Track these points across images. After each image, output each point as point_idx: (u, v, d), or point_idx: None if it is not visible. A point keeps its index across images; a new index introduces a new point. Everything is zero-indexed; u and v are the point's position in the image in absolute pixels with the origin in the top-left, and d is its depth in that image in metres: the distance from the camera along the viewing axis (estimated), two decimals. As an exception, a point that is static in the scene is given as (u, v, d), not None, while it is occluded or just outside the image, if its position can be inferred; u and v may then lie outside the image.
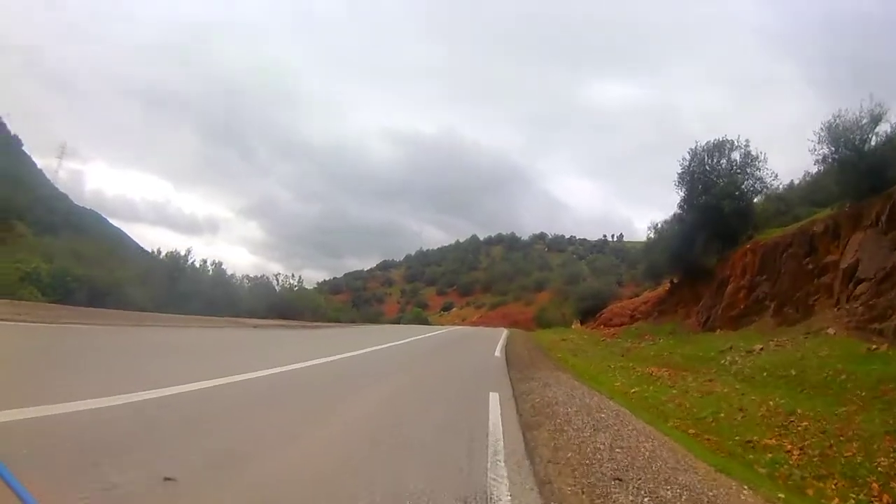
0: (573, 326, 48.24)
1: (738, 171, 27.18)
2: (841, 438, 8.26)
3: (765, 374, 13.09)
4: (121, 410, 5.07)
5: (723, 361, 15.58)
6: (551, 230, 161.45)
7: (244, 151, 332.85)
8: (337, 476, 4.22)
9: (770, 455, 7.99)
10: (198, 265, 30.85)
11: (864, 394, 10.02)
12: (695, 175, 28.27)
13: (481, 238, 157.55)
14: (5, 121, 50.03)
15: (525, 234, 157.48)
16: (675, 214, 31.68)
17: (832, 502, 6.52)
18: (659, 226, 36.15)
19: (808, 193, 29.22)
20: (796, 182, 32.88)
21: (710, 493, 5.13)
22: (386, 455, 4.96)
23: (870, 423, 8.64)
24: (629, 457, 5.98)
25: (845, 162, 18.44)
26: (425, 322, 68.18)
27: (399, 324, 57.42)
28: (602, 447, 6.28)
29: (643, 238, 47.64)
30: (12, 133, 51.12)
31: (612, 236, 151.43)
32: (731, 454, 8.10)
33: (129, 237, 49.99)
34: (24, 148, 53.20)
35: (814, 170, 27.68)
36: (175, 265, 28.52)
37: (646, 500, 4.65)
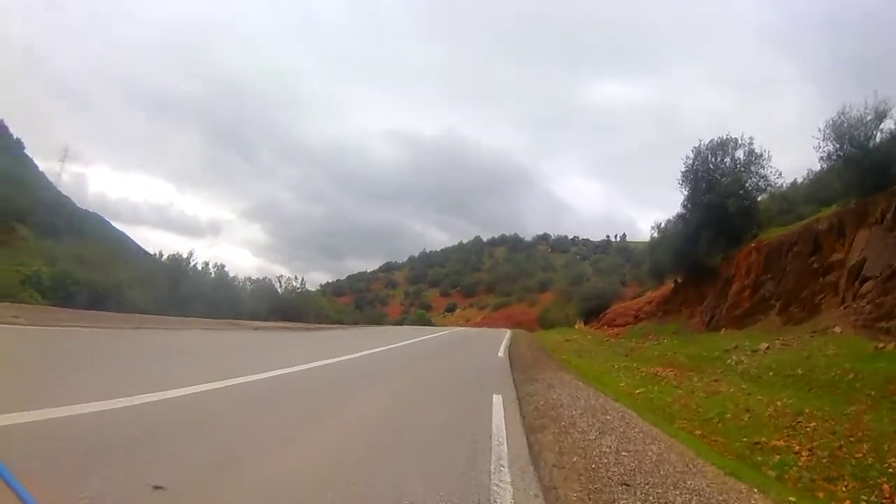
0: (577, 327, 48.03)
1: (742, 169, 26.91)
2: (850, 439, 8.08)
3: (771, 373, 12.91)
4: (113, 415, 4.99)
5: (728, 361, 15.40)
6: (554, 231, 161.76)
7: (247, 153, 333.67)
8: (335, 480, 4.12)
9: (778, 456, 7.82)
10: (200, 267, 30.72)
11: (872, 393, 9.84)
12: (698, 173, 28.00)
13: (484, 239, 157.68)
14: (7, 124, 50.13)
15: (528, 234, 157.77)
16: (678, 213, 31.39)
17: (843, 505, 6.37)
18: (662, 225, 36.02)
19: (812, 192, 28.99)
20: (799, 181, 32.66)
21: (720, 498, 5.01)
22: (385, 461, 4.86)
23: (879, 423, 8.47)
24: (636, 460, 5.86)
25: (850, 159, 18.26)
26: (429, 323, 68.25)
27: (402, 325, 57.23)
28: (608, 451, 6.16)
29: (646, 238, 47.46)
30: (14, 136, 51.24)
31: (616, 236, 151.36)
32: (738, 456, 7.95)
33: (131, 240, 50.20)
34: (26, 151, 53.41)
35: (817, 168, 27.65)
36: (177, 268, 28.37)
37: (654, 506, 4.53)
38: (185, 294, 25.58)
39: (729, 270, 24.99)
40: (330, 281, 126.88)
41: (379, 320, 62.46)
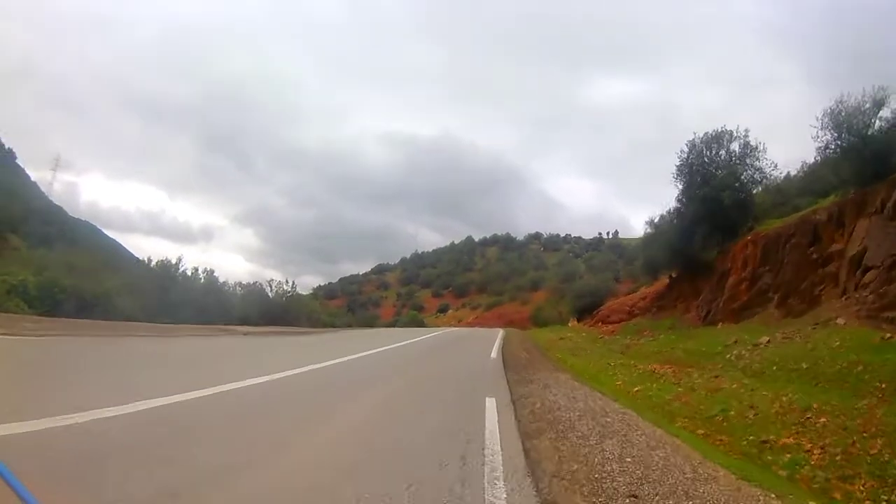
0: (570, 324, 47.78)
1: (738, 161, 26.69)
2: (864, 435, 7.72)
3: (774, 367, 12.59)
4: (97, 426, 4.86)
5: (728, 356, 15.11)
6: (546, 230, 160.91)
7: (239, 158, 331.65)
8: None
9: (788, 455, 7.44)
10: (189, 273, 30.53)
11: (883, 385, 9.51)
12: (693, 167, 27.79)
13: (476, 239, 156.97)
14: (-1, 134, 49.82)
15: (520, 234, 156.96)
16: (673, 208, 31.18)
17: (863, 506, 5.98)
18: (656, 220, 35.69)
19: (806, 184, 28.92)
20: (793, 174, 32.48)
21: (737, 507, 4.59)
22: (371, 475, 4.47)
23: (893, 417, 8.12)
24: (642, 467, 5.42)
25: (849, 149, 18.09)
26: (421, 324, 67.96)
27: (395, 327, 57.00)
28: (611, 457, 5.72)
29: (639, 235, 47.37)
30: (6, 146, 50.95)
31: (608, 233, 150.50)
32: (746, 456, 7.57)
33: (124, 248, 49.81)
34: (17, 161, 53.07)
35: (811, 160, 27.57)
36: (166, 274, 28.17)
37: (667, 520, 4.11)
38: (174, 300, 25.24)
39: (725, 264, 24.75)
40: (322, 284, 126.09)
41: (371, 322, 62.50)
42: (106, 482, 3.53)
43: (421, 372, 13.04)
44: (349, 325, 45.76)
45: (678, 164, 28.66)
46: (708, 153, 27.54)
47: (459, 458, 5.09)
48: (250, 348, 16.46)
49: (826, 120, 18.71)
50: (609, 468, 5.30)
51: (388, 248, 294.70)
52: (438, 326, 63.34)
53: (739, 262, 23.29)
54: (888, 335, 12.02)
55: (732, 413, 9.66)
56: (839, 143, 18.58)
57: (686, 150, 28.27)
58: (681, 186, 28.97)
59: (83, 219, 53.64)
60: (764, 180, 27.05)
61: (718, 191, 25.22)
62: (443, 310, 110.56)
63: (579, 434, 6.70)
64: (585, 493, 4.51)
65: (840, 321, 14.52)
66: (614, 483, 4.84)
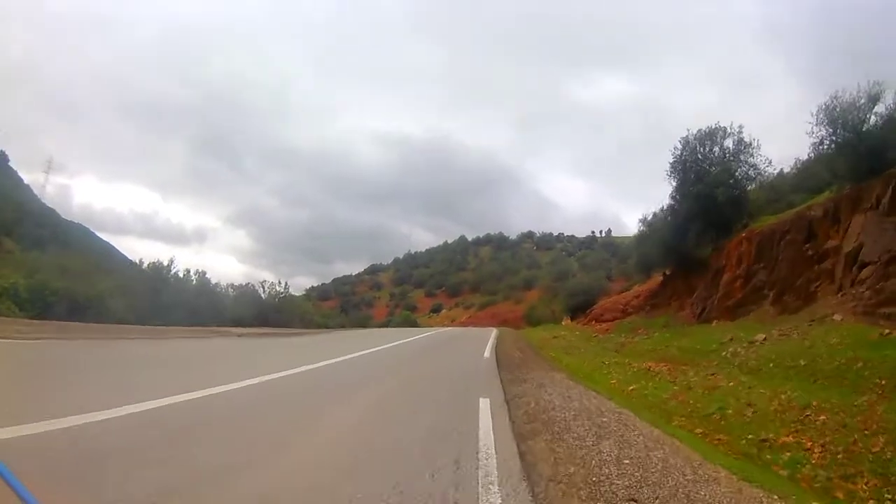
0: (563, 323, 47.73)
1: (732, 158, 26.65)
2: (865, 432, 7.54)
3: (771, 365, 12.44)
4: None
5: (724, 353, 14.96)
6: (540, 228, 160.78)
7: (231, 159, 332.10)
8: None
9: (788, 454, 7.25)
10: (181, 275, 30.24)
11: (883, 382, 9.35)
12: (687, 164, 27.73)
13: (469, 239, 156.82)
14: (-8, 137, 49.77)
15: (513, 233, 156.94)
16: (667, 205, 31.10)
17: (867, 505, 5.83)
18: (649, 218, 35.74)
19: (799, 181, 28.95)
20: (786, 171, 32.50)
21: (740, 510, 4.42)
22: (358, 482, 4.27)
23: (894, 414, 7.96)
24: (640, 469, 5.25)
25: (844, 144, 18.05)
26: (414, 324, 67.91)
27: (388, 327, 56.79)
28: (608, 458, 5.54)
29: (632, 233, 47.28)
30: (-1, 149, 50.81)
31: (601, 232, 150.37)
32: (745, 455, 7.38)
33: (117, 250, 49.60)
34: (10, 164, 52.86)
35: (805, 157, 27.59)
36: (158, 276, 27.95)
37: (670, 525, 3.94)
38: (166, 302, 25.07)
39: (719, 261, 24.66)
40: (315, 285, 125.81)
41: (364, 323, 62.24)
42: (97, 484, 3.56)
43: (414, 372, 12.84)
44: (342, 326, 45.58)
45: (672, 160, 28.66)
46: (702, 150, 27.49)
47: (453, 462, 4.93)
48: (241, 350, 16.29)
49: (821, 115, 18.66)
50: (607, 471, 5.13)
51: (381, 248, 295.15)
52: (432, 326, 63.21)
53: (734, 259, 23.21)
54: (886, 331, 11.91)
55: (730, 411, 9.48)
56: (834, 138, 18.54)
57: (680, 146, 28.26)
58: (675, 183, 28.95)
59: (76, 221, 53.54)
60: (758, 177, 27.04)
61: (712, 187, 25.15)
62: (436, 310, 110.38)
63: (575, 435, 6.53)
64: (583, 498, 4.34)
65: (837, 317, 14.42)
66: (612, 486, 4.66)
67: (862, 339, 12.10)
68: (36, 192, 54.43)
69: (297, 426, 6.06)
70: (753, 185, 27.40)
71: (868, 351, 11.04)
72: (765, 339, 15.01)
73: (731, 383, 11.56)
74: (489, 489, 4.26)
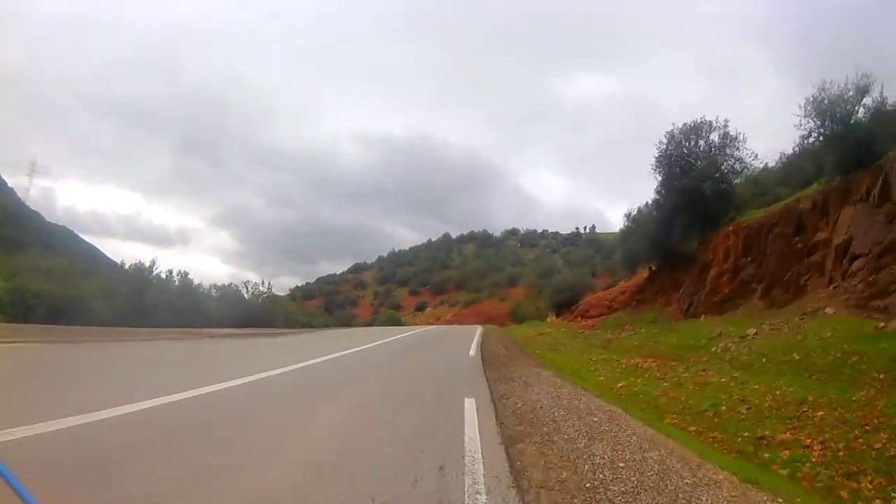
0: (549, 320, 47.56)
1: (717, 152, 26.39)
2: (866, 428, 7.26)
3: (764, 360, 12.19)
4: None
5: (714, 349, 14.73)
6: (523, 225, 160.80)
7: (214, 160, 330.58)
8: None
9: (787, 452, 6.99)
10: (164, 276, 29.88)
11: (881, 376, 9.08)
12: (672, 158, 27.47)
13: (453, 236, 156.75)
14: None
15: (497, 230, 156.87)
16: (652, 200, 30.89)
17: (874, 504, 5.56)
18: (632, 214, 35.74)
19: (785, 175, 28.90)
20: (770, 165, 32.50)
21: (746, 516, 4.11)
22: (334, 493, 3.95)
23: (895, 409, 7.67)
24: (637, 473, 4.93)
25: (832, 136, 17.94)
26: (399, 323, 67.77)
27: (373, 326, 56.49)
28: (602, 462, 5.21)
29: (616, 229, 47.18)
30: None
31: (585, 228, 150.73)
32: (741, 453, 7.12)
33: (102, 253, 49.08)
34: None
35: (790, 152, 27.47)
36: (140, 277, 27.63)
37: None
38: (149, 304, 24.91)
39: (706, 255, 24.49)
40: (300, 285, 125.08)
41: (349, 322, 62.20)
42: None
43: (397, 372, 12.46)
44: (326, 326, 45.37)
45: (657, 155, 28.36)
46: (687, 144, 27.23)
47: (437, 469, 4.59)
48: (211, 353, 15.79)
49: (809, 108, 18.50)
50: (601, 475, 4.80)
51: (364, 247, 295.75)
52: (416, 325, 62.93)
53: (721, 253, 23.03)
54: (881, 324, 11.71)
55: (724, 408, 9.24)
56: (822, 130, 18.41)
57: (665, 141, 27.97)
58: (660, 178, 28.67)
59: (60, 224, 52.93)
60: (744, 170, 26.83)
61: (698, 181, 24.91)
62: (420, 308, 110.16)
63: (566, 437, 6.20)
64: (578, 506, 4.00)
65: (829, 311, 14.25)
66: (608, 493, 4.34)
67: (856, 332, 11.89)
68: (20, 195, 53.66)
69: (271, 434, 5.68)
70: (740, 179, 27.25)
71: (863, 344, 10.80)
72: (755, 333, 14.81)
73: (723, 379, 11.31)
74: (476, 499, 3.95)
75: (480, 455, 5.10)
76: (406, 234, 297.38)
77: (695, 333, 17.83)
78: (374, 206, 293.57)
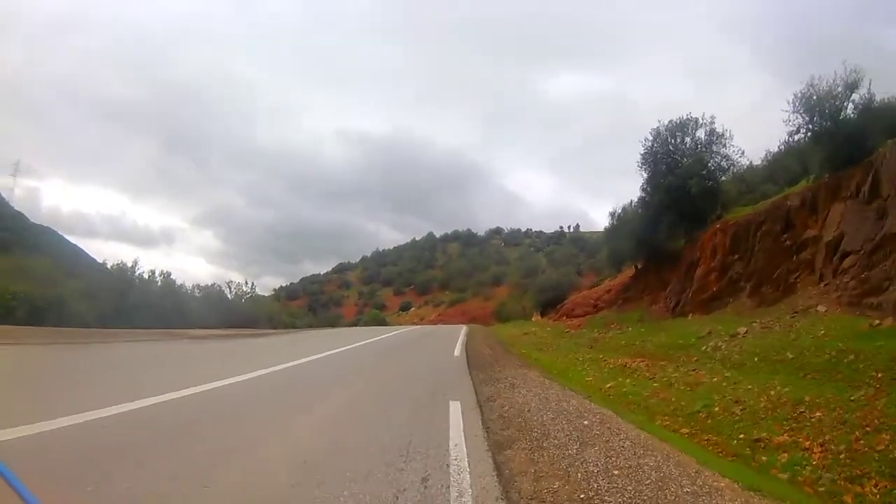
0: (534, 319, 47.43)
1: (704, 149, 26.25)
2: (867, 429, 7.00)
3: (756, 359, 11.99)
4: None
5: (704, 348, 14.54)
6: (507, 224, 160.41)
7: (196, 159, 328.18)
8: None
9: (786, 455, 6.70)
10: (146, 276, 29.22)
11: (879, 375, 8.88)
12: (658, 156, 27.29)
13: (437, 235, 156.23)
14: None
15: (481, 229, 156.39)
16: (638, 198, 30.81)
17: (881, 509, 5.29)
18: (617, 213, 35.60)
19: (770, 173, 28.88)
20: (755, 163, 32.39)
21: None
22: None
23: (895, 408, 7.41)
24: (633, 482, 4.60)
25: (821, 132, 17.82)
26: (383, 323, 67.36)
27: (357, 326, 56.07)
28: (595, 469, 4.88)
29: (600, 228, 47.10)
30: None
31: (569, 227, 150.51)
32: (738, 456, 6.82)
33: (86, 253, 48.56)
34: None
35: (775, 150, 27.45)
36: (122, 277, 27.07)
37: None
38: (131, 304, 24.39)
39: (693, 253, 24.31)
40: (284, 285, 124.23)
41: (334, 322, 61.78)
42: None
43: (379, 374, 11.99)
44: (310, 326, 44.89)
45: (643, 152, 28.21)
46: (673, 141, 27.06)
47: (421, 481, 4.25)
48: (186, 355, 15.35)
49: (798, 104, 18.37)
50: (595, 485, 4.47)
51: (348, 247, 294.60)
52: (401, 325, 62.55)
53: (708, 251, 22.86)
54: (876, 322, 11.57)
55: (717, 409, 8.96)
56: (811, 126, 18.30)
57: (651, 138, 27.82)
58: (646, 175, 28.54)
59: (44, 224, 52.43)
60: (731, 168, 26.72)
61: (685, 179, 24.78)
62: (405, 308, 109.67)
63: (556, 442, 5.85)
64: (572, 522, 3.66)
65: (821, 308, 14.11)
66: (604, 504, 3.99)
67: (850, 330, 11.74)
68: (4, 195, 53.05)
69: (237, 448, 5.27)
70: (726, 177, 27.12)
71: (859, 342, 10.63)
72: (746, 332, 14.64)
73: (715, 379, 11.10)
74: (463, 514, 3.56)
75: (466, 463, 4.76)
76: (390, 234, 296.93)
77: (683, 332, 17.65)
78: (357, 205, 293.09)
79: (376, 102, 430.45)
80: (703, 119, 26.56)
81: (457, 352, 17.48)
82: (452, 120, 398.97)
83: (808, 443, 6.96)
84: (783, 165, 25.98)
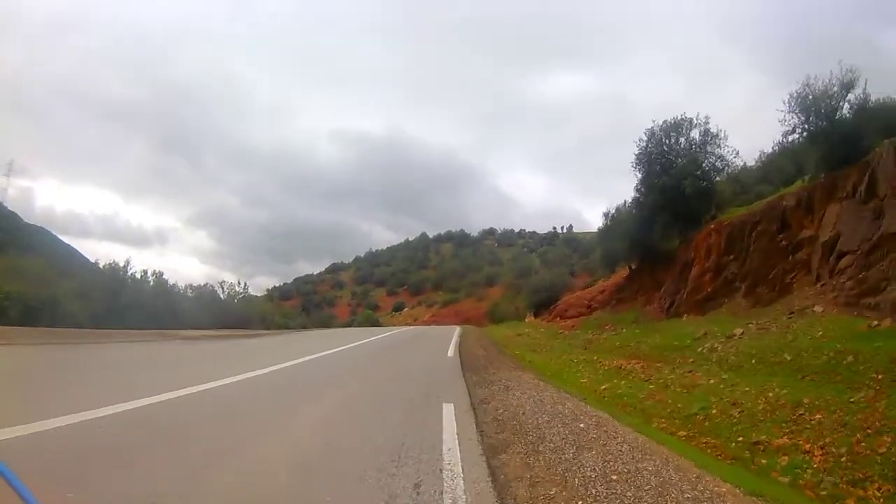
0: (527, 320, 47.32)
1: (698, 149, 26.13)
2: (868, 431, 6.87)
3: (753, 360, 11.89)
4: None
5: (700, 349, 14.44)
6: (501, 225, 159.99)
7: (191, 159, 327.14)
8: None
9: (786, 458, 6.59)
10: (139, 276, 29.18)
11: (880, 377, 8.77)
12: (652, 156, 27.20)
13: (430, 236, 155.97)
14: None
15: (475, 230, 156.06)
16: (632, 198, 30.62)
17: (884, 512, 5.17)
18: (611, 213, 35.52)
19: (764, 174, 28.84)
20: (749, 164, 32.40)
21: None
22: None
23: (896, 410, 7.30)
24: (633, 487, 4.46)
25: (817, 133, 17.79)
26: (377, 324, 67.10)
27: (350, 327, 55.85)
28: (593, 474, 4.74)
29: (594, 229, 47.06)
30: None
31: (563, 228, 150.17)
32: (737, 460, 6.71)
33: (80, 253, 48.40)
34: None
35: (769, 151, 27.44)
36: (114, 277, 27.10)
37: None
38: (123, 304, 24.50)
39: (687, 254, 24.22)
40: (277, 285, 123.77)
41: (327, 323, 61.62)
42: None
43: (371, 377, 11.80)
44: (304, 327, 44.70)
45: (637, 152, 28.09)
46: (668, 141, 26.95)
47: (413, 487, 4.10)
48: (178, 355, 15.34)
49: (793, 103, 18.31)
50: (594, 491, 4.33)
51: (342, 247, 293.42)
52: (394, 325, 62.45)
53: (703, 251, 22.76)
54: (875, 322, 11.48)
55: (714, 411, 8.83)
56: (806, 126, 18.24)
57: (645, 138, 27.69)
58: (640, 175, 28.40)
59: (38, 224, 52.19)
60: (726, 168, 26.61)
61: (679, 179, 24.65)
62: (398, 308, 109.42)
63: (552, 446, 5.70)
64: (571, 532, 3.51)
65: (818, 309, 14.02)
66: (604, 514, 3.84)
67: (848, 331, 11.64)
68: (-2, 196, 52.73)
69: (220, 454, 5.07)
70: (721, 177, 27.01)
71: (858, 343, 10.53)
72: (742, 333, 14.55)
73: (712, 381, 10.98)
74: (457, 526, 3.40)
75: (460, 468, 4.61)
76: (383, 234, 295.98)
77: (679, 333, 17.55)
78: (351, 205, 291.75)
79: (371, 102, 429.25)
80: (697, 119, 26.47)
81: (450, 353, 17.34)
82: (446, 120, 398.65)
83: (808, 445, 6.85)
84: (777, 166, 25.99)
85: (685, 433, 7.94)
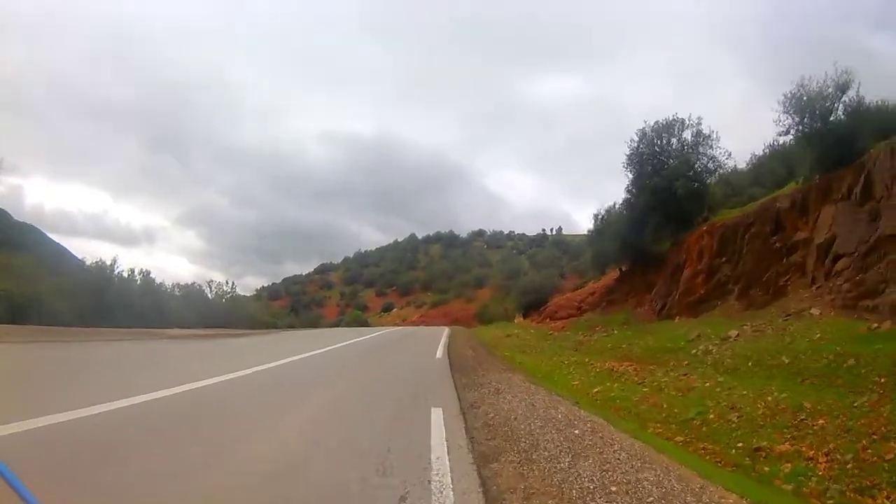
0: (516, 321, 47.07)
1: (691, 150, 26.00)
2: (874, 437, 6.67)
3: (750, 363, 11.67)
4: None
5: (694, 352, 14.21)
6: (490, 226, 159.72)
7: (180, 158, 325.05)
8: None
9: (789, 465, 6.38)
10: (126, 275, 28.76)
11: (882, 380, 8.57)
12: (644, 157, 27.03)
13: (419, 237, 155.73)
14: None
15: (464, 231, 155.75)
16: (623, 199, 30.45)
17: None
18: (601, 215, 35.26)
19: (756, 176, 28.68)
20: (740, 167, 32.27)
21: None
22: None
23: (903, 415, 7.09)
24: (634, 499, 4.19)
25: (812, 134, 17.68)
26: (365, 324, 66.79)
27: (339, 327, 55.54)
28: (591, 485, 4.43)
29: (583, 231, 47.00)
30: (-53, 152, 49.42)
31: (552, 230, 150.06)
32: (738, 466, 6.49)
33: (69, 252, 47.93)
34: (-41, 166, 51.09)
35: (760, 153, 27.31)
36: (101, 275, 26.64)
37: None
38: (110, 303, 24.07)
39: (679, 256, 24.08)
40: (266, 285, 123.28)
41: (315, 323, 61.42)
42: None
43: (358, 377, 11.45)
44: (292, 326, 44.45)
45: (628, 153, 27.95)
46: (659, 142, 26.80)
47: (398, 501, 3.77)
48: (166, 354, 14.98)
49: (788, 104, 18.18)
50: (593, 503, 3.99)
51: (331, 248, 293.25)
52: (383, 326, 62.22)
53: (695, 253, 22.61)
54: (874, 325, 11.32)
55: (711, 416, 8.60)
56: (801, 127, 18.12)
57: (637, 139, 27.55)
58: (631, 176, 28.24)
59: (28, 222, 51.82)
60: (718, 169, 26.53)
61: (671, 180, 24.52)
62: (387, 309, 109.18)
63: (546, 454, 5.38)
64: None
65: (815, 311, 13.87)
66: (606, 529, 3.54)
67: (847, 333, 11.48)
68: (-12, 194, 52.26)
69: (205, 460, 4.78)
70: (713, 178, 26.91)
71: (858, 346, 10.36)
72: (737, 335, 14.36)
73: (708, 384, 10.75)
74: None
75: (450, 479, 4.28)
76: (372, 235, 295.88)
77: (671, 335, 17.34)
78: (340, 205, 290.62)
79: (361, 103, 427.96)
80: (689, 120, 26.35)
81: (439, 354, 17.01)
82: (437, 120, 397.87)
83: (811, 452, 6.64)
84: (769, 169, 25.89)
85: (682, 438, 7.71)
